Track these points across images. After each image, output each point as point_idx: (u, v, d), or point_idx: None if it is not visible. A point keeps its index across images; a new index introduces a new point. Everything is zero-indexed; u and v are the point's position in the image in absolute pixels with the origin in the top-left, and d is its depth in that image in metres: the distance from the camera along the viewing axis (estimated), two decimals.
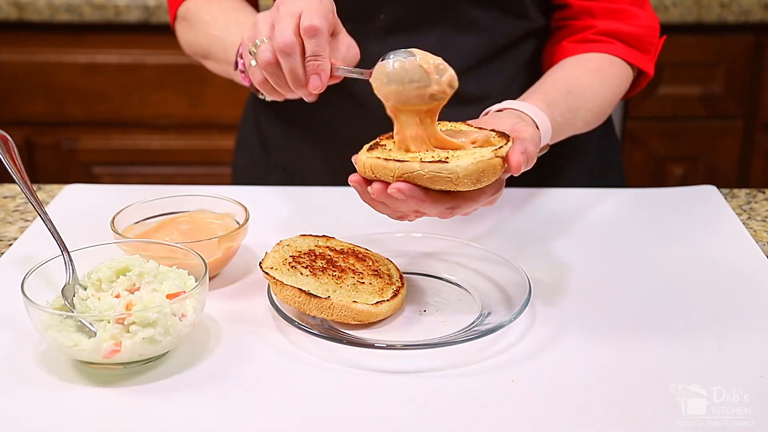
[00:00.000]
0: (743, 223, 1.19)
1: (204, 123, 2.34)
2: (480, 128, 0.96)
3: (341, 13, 1.22)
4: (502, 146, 0.90)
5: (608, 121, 1.43)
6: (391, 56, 0.92)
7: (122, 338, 0.86)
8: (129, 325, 0.86)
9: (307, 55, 0.98)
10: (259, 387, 0.87)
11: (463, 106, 1.25)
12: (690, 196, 1.27)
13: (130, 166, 2.37)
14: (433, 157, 0.88)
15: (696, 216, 1.22)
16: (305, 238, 1.05)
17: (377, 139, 0.96)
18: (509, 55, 1.27)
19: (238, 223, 1.10)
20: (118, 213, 1.08)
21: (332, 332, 0.94)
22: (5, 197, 1.29)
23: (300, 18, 0.98)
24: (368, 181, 0.90)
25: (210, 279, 1.02)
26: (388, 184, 0.88)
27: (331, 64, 0.99)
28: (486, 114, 1.05)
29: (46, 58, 2.27)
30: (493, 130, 0.94)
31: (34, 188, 1.04)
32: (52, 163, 2.35)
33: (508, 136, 0.92)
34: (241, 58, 1.10)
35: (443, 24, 1.22)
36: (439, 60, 0.91)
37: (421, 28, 1.22)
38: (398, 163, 0.87)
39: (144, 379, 0.88)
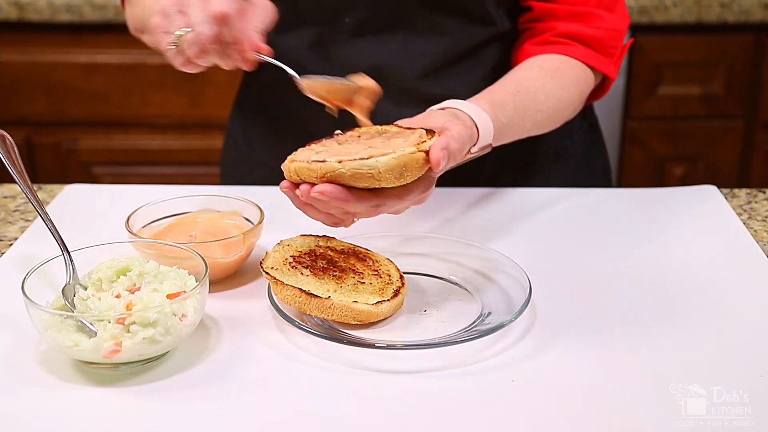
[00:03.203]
0: (743, 223, 1.19)
1: (204, 123, 2.34)
2: (409, 128, 0.96)
3: (308, 17, 1.22)
4: (425, 141, 0.90)
5: (594, 127, 1.43)
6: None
7: (122, 338, 0.86)
8: (129, 325, 0.86)
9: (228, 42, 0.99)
10: (259, 387, 0.87)
11: (429, 106, 1.25)
12: (690, 196, 1.27)
13: (130, 166, 2.37)
14: (355, 156, 0.89)
15: (696, 216, 1.22)
16: (306, 238, 1.05)
17: (307, 146, 0.97)
18: (474, 58, 1.27)
19: (246, 219, 1.10)
20: (132, 213, 1.07)
21: (332, 332, 0.94)
22: (5, 197, 1.29)
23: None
24: (297, 186, 0.91)
25: (223, 279, 1.04)
26: (314, 186, 0.89)
27: (262, 52, 1.01)
28: (425, 112, 1.04)
29: (46, 58, 2.27)
30: (422, 128, 0.94)
31: (35, 188, 1.04)
32: (52, 163, 2.35)
33: (434, 133, 0.92)
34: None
35: (407, 28, 1.23)
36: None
37: (386, 32, 1.23)
38: (320, 164, 0.88)
39: (144, 379, 0.88)
